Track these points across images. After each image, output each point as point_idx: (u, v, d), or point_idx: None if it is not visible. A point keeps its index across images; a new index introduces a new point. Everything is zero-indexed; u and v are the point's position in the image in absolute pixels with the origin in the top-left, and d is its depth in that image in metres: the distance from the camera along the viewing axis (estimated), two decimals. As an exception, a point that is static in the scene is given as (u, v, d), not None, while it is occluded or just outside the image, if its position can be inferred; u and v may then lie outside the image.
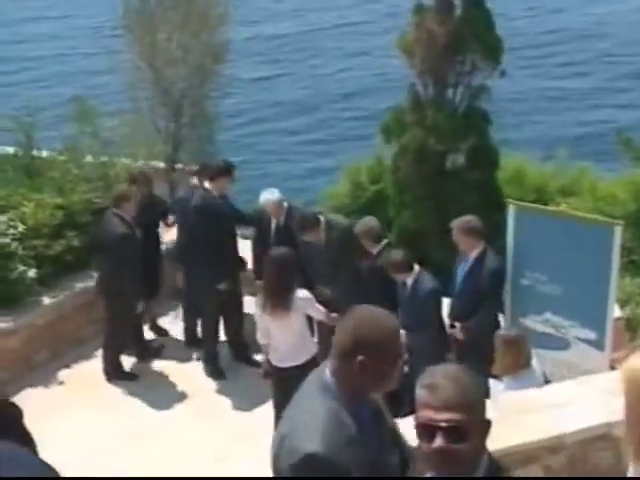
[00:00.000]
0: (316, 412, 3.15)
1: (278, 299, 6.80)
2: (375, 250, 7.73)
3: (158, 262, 9.15)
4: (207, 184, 8.35)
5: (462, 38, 9.12)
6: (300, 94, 20.50)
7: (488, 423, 2.72)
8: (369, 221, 7.91)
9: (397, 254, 7.37)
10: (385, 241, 7.75)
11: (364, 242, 7.75)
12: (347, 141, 16.61)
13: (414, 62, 9.29)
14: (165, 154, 11.57)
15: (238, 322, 8.71)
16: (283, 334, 6.94)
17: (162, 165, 11.49)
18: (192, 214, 8.37)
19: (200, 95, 11.71)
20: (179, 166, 11.65)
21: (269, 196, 8.33)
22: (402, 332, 7.21)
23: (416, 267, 7.33)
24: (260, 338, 7.15)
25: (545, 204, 9.05)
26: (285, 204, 8.41)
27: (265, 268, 7.04)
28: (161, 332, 9.33)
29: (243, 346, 8.77)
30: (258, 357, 8.61)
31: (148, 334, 9.18)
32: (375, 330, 3.15)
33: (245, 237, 9.14)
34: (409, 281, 7.31)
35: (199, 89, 11.63)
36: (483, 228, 7.24)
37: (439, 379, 2.70)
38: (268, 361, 7.17)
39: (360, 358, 3.11)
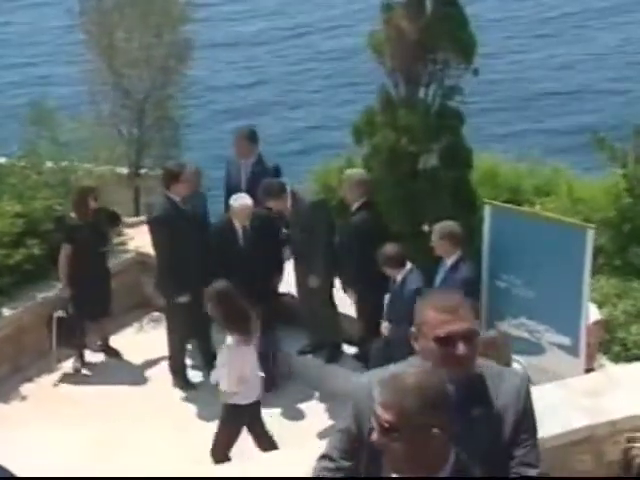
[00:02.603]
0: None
1: (243, 330, 6.82)
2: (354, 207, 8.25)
3: (107, 279, 9.05)
4: (167, 192, 8.39)
5: (433, 35, 9.17)
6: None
7: (433, 434, 2.85)
8: (354, 174, 8.49)
9: (391, 248, 7.60)
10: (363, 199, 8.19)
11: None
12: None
13: (384, 60, 9.33)
14: (128, 159, 11.56)
15: (207, 331, 8.73)
16: (249, 366, 6.97)
17: (125, 170, 11.48)
18: (149, 224, 8.55)
19: (164, 97, 11.70)
20: (143, 171, 11.65)
21: (241, 201, 8.42)
22: (385, 324, 7.59)
23: (408, 265, 7.58)
24: (235, 384, 7.02)
25: (519, 205, 9.15)
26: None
27: (215, 304, 7.04)
28: (111, 352, 9.16)
29: (212, 355, 8.80)
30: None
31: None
32: (446, 301, 3.39)
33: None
34: (398, 278, 7.58)
35: (162, 90, 11.62)
36: (461, 234, 7.42)
37: (391, 379, 2.93)
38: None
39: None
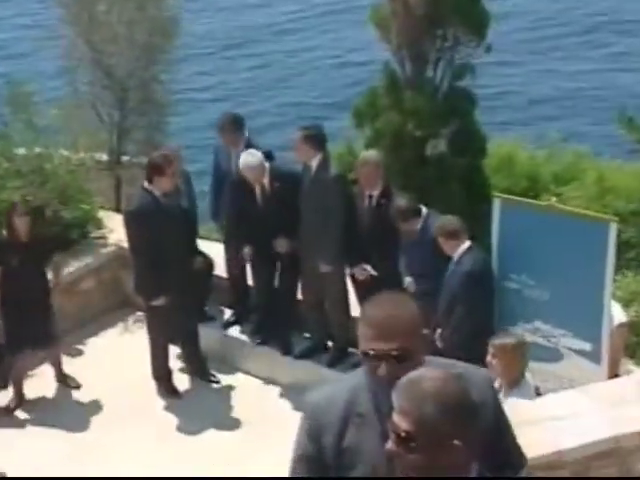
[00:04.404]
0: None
1: None
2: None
3: (47, 305, 8.44)
4: (146, 184, 8.20)
5: (442, 9, 9.08)
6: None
7: (454, 446, 2.76)
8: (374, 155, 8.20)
9: (403, 201, 7.66)
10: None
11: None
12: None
13: (389, 37, 9.24)
14: (109, 145, 11.41)
15: (192, 335, 8.60)
16: None
17: (105, 157, 11.33)
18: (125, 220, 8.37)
19: (147, 77, 11.56)
20: (125, 158, 11.51)
21: (249, 159, 8.13)
22: (409, 279, 7.74)
23: (424, 211, 7.66)
24: None
25: (537, 194, 9.05)
26: (267, 164, 8.26)
27: None
28: (67, 381, 8.63)
29: (201, 361, 8.70)
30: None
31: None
32: (377, 313, 3.26)
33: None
34: (417, 227, 7.63)
35: (146, 70, 11.48)
36: (462, 228, 7.36)
37: (409, 383, 2.85)
38: None
39: None
